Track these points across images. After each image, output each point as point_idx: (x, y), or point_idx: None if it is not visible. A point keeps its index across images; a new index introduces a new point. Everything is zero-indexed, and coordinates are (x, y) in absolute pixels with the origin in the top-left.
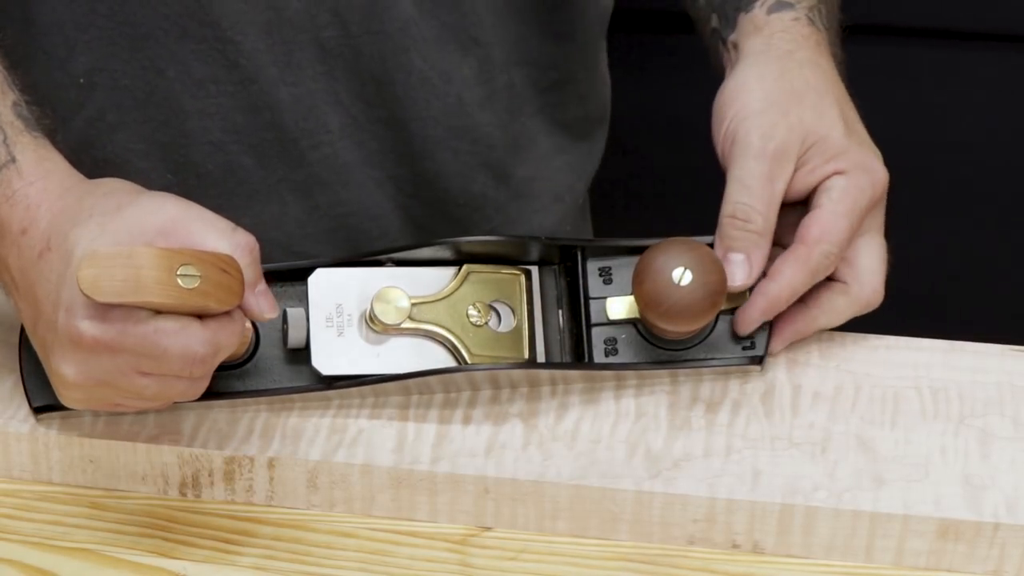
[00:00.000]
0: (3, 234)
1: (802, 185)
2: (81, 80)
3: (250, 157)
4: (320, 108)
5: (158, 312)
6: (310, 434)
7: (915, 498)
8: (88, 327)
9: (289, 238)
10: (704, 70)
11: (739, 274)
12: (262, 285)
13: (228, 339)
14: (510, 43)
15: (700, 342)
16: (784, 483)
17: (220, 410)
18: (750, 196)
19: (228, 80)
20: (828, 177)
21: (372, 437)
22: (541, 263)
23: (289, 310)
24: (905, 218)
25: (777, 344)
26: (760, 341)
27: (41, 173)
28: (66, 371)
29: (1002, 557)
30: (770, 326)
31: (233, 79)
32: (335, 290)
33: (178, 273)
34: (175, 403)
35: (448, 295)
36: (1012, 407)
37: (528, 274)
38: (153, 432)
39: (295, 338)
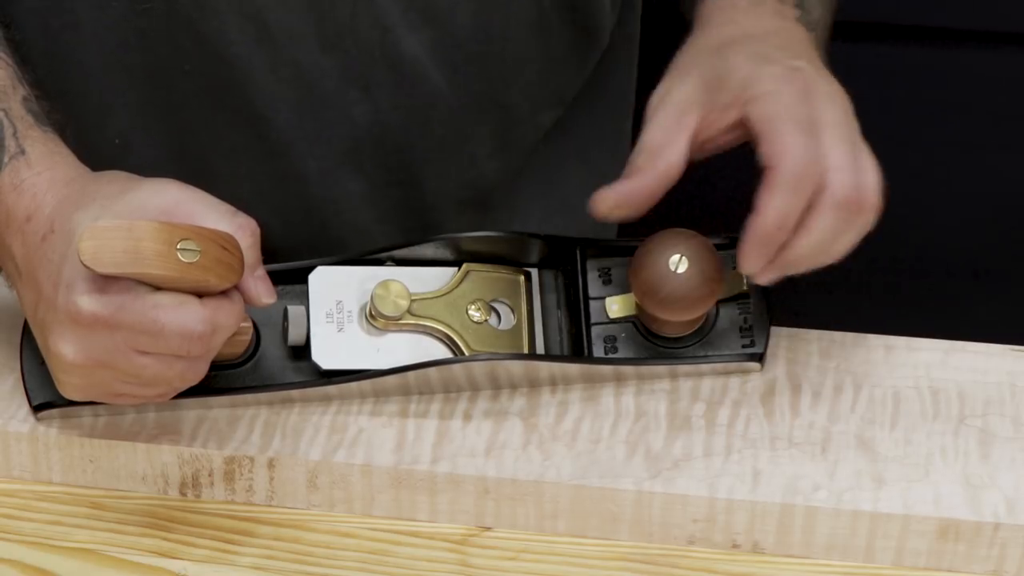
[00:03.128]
0: (8, 222)
1: (723, 124)
2: (116, 140)
3: (275, 219)
4: (345, 177)
5: (157, 288)
6: (310, 434)
7: (915, 498)
8: (87, 302)
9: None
10: None
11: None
12: (261, 270)
13: (226, 320)
14: (538, 94)
15: (699, 340)
16: (784, 483)
17: (220, 410)
18: (650, 130)
19: (258, 149)
20: (748, 104)
21: (372, 437)
22: (541, 265)
23: (289, 307)
24: (905, 218)
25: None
26: (760, 339)
27: (49, 164)
28: (64, 350)
29: (1002, 557)
30: (768, 322)
31: (263, 149)
32: (335, 287)
33: (178, 247)
34: (175, 399)
35: (448, 292)
36: (1012, 407)
37: (528, 275)
38: (153, 432)
39: (295, 335)
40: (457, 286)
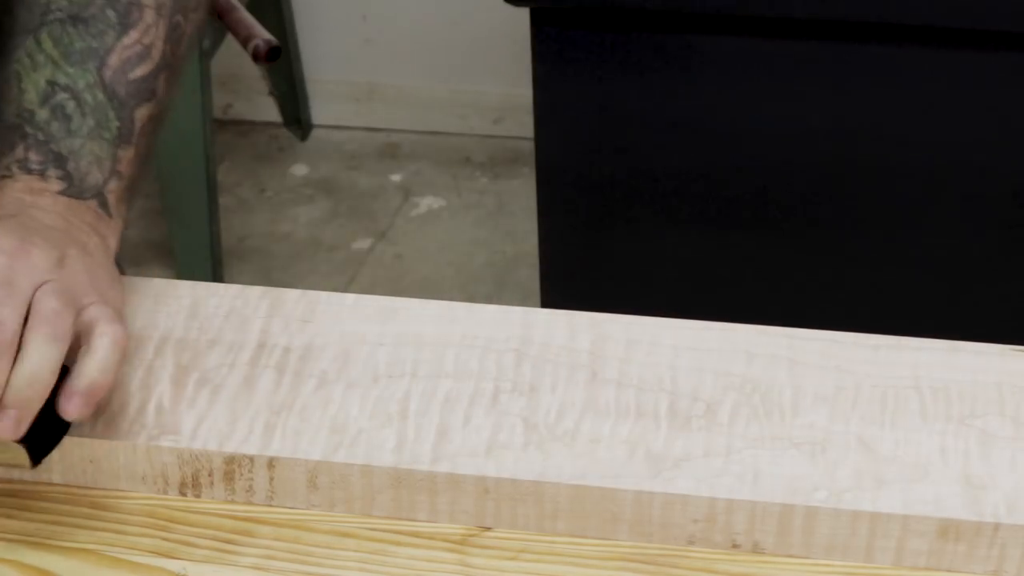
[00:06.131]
0: None
1: None
2: None
3: None
4: None
5: None
6: (310, 434)
7: (915, 498)
8: None
9: None
10: (704, 70)
11: None
12: None
13: None
14: None
15: None
16: (784, 483)
17: (220, 410)
18: None
19: None
20: None
21: (372, 437)
22: None
23: None
24: (906, 217)
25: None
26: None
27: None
28: None
29: (1002, 557)
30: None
31: None
32: None
33: None
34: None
35: None
36: (1012, 407)
37: None
38: (153, 432)
39: None
40: None
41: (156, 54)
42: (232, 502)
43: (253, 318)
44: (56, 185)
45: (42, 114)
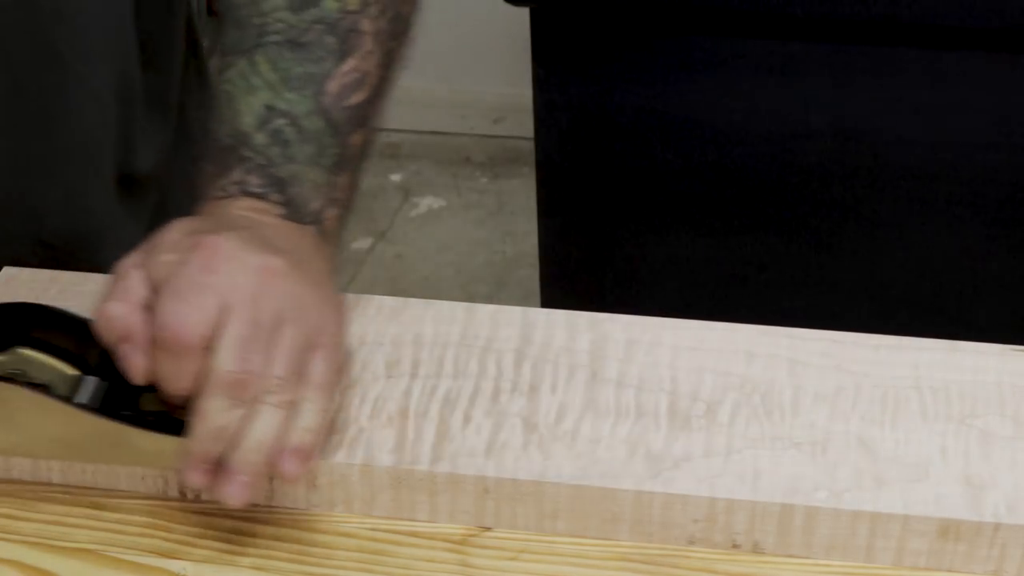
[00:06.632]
0: None
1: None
2: None
3: None
4: None
5: None
6: None
7: (915, 498)
8: None
9: None
10: (704, 70)
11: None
12: None
13: None
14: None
15: None
16: (784, 483)
17: None
18: None
19: None
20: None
21: (372, 437)
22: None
23: None
24: (906, 218)
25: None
26: None
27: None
28: None
29: (1002, 557)
30: None
31: None
32: None
33: None
34: None
35: None
36: (1012, 407)
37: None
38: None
39: None
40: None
41: (372, 80)
42: None
43: None
44: (277, 209)
45: (259, 138)
